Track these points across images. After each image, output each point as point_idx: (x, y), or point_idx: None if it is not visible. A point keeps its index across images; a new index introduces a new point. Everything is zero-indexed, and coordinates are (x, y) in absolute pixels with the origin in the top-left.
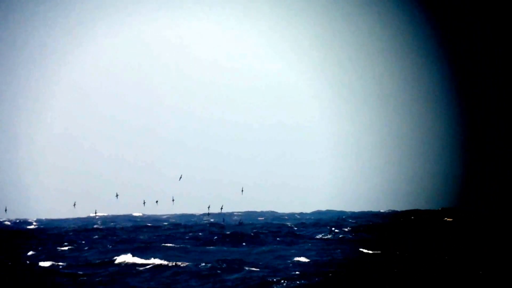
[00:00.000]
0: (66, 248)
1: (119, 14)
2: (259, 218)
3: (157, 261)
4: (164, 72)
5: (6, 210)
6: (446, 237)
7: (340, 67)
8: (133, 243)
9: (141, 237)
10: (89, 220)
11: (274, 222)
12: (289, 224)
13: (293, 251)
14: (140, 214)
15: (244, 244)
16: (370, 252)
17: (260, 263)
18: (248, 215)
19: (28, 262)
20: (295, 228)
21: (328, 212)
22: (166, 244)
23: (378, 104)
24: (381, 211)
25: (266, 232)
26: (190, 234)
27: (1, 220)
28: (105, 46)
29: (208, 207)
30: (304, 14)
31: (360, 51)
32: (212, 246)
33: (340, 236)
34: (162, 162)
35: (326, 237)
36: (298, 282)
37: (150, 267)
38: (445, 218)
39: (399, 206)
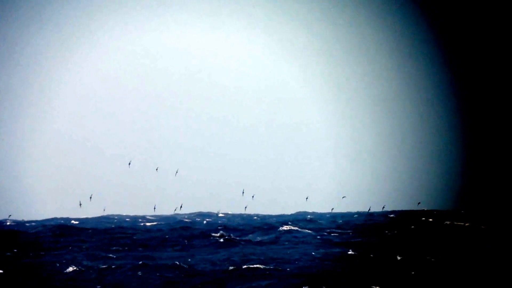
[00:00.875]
0: None
1: (121, 15)
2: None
3: None
4: (165, 73)
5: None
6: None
7: (341, 67)
8: None
9: None
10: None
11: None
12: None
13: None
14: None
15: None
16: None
17: None
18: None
19: None
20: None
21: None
22: None
23: (380, 104)
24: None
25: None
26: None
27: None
28: (108, 47)
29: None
30: (304, 13)
31: (361, 51)
32: None
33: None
34: (165, 162)
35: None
36: None
37: None
38: (445, 222)
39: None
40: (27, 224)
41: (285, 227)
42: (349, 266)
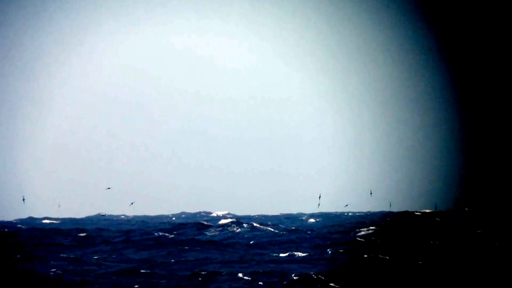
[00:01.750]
0: None
1: (123, 15)
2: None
3: None
4: (165, 73)
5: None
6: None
7: (342, 67)
8: None
9: None
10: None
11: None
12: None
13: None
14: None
15: None
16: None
17: None
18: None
19: None
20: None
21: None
22: None
23: (380, 105)
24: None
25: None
26: None
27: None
28: (110, 47)
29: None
30: (303, 13)
31: (362, 50)
32: None
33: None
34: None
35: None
36: None
37: None
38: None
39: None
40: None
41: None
42: None
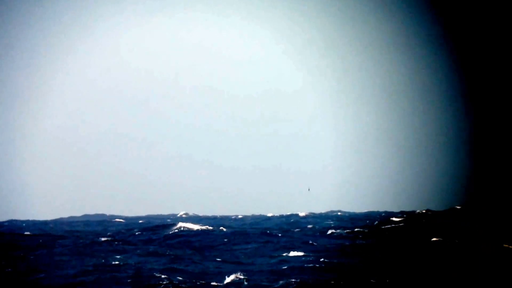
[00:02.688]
0: None
1: (124, 13)
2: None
3: None
4: (165, 74)
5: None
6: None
7: (344, 65)
8: None
9: None
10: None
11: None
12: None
13: None
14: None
15: None
16: None
17: None
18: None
19: None
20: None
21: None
22: None
23: (383, 103)
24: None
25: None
26: None
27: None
28: (111, 44)
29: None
30: (302, 13)
31: (363, 49)
32: None
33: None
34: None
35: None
36: None
37: None
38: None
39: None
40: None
41: None
42: None
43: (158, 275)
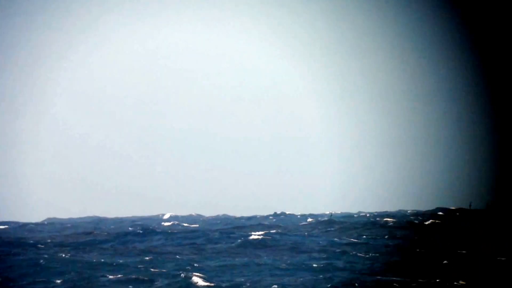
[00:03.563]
0: None
1: (125, 15)
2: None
3: None
4: (165, 74)
5: None
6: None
7: (344, 65)
8: None
9: None
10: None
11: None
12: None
13: None
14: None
15: None
16: None
17: None
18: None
19: None
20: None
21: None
22: None
23: (383, 103)
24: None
25: None
26: None
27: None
28: (107, 46)
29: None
30: (302, 12)
31: (363, 48)
32: None
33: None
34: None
35: None
36: None
37: None
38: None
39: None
40: None
41: None
42: None
43: None
